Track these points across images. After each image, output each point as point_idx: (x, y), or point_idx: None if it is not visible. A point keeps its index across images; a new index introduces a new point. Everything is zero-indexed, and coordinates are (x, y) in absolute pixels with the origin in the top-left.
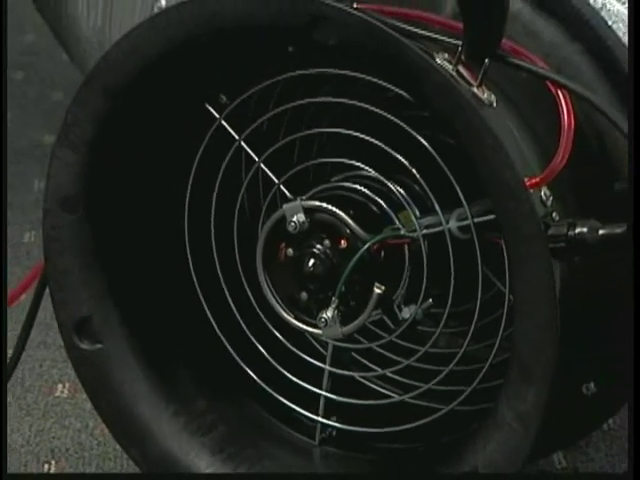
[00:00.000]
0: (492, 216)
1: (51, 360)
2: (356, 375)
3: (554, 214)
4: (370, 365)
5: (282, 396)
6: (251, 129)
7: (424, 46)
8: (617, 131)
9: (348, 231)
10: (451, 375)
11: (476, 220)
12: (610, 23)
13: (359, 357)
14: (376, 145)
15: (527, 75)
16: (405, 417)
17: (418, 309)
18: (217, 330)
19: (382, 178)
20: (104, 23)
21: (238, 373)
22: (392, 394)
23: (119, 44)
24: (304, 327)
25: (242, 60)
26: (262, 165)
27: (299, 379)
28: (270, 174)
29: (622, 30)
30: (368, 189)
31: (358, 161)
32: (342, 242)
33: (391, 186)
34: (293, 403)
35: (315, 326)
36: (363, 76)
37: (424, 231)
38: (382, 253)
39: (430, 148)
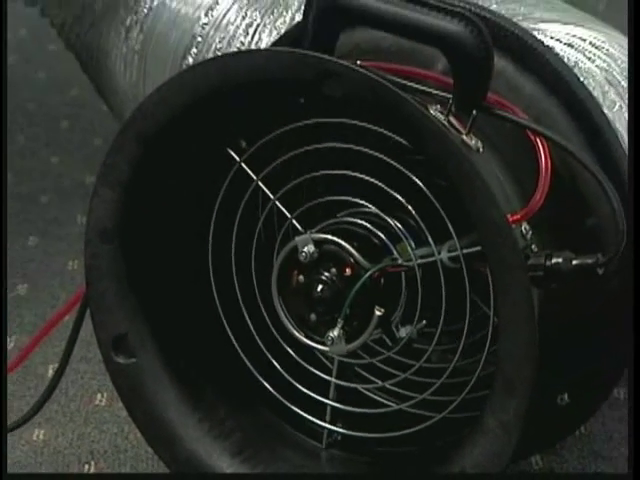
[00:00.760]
0: (479, 248)
1: (91, 373)
2: (359, 386)
3: (533, 246)
4: (371, 378)
5: (293, 405)
6: (267, 171)
7: (419, 99)
8: (588, 173)
9: (352, 260)
10: (443, 387)
11: (465, 251)
12: (582, 79)
13: (362, 371)
14: (377, 185)
15: (510, 125)
16: (402, 424)
17: (413, 329)
18: (237, 347)
19: (382, 214)
20: (138, 78)
21: (255, 385)
22: (391, 403)
23: (151, 96)
24: (313, 344)
25: (259, 109)
26: (277, 202)
27: (308, 390)
28: (284, 210)
29: (592, 85)
30: (370, 223)
31: (361, 199)
32: (347, 270)
33: (390, 221)
34: (303, 411)
35: (323, 343)
36: (366, 125)
37: (419, 261)
38: (382, 280)
39: (424, 188)
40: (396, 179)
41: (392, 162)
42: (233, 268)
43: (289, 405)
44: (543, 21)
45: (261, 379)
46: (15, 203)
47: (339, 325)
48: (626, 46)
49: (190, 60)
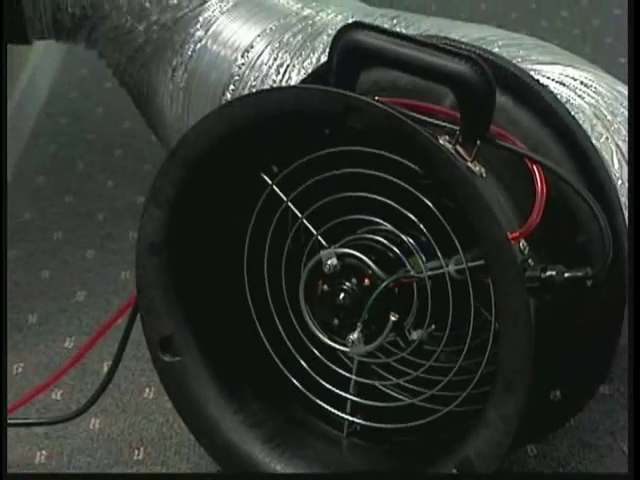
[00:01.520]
0: (482, 261)
1: (141, 370)
2: (376, 383)
3: (530, 260)
4: (387, 375)
5: (318, 399)
6: (295, 194)
7: (431, 130)
8: (578, 196)
9: (370, 272)
10: (449, 383)
11: (469, 265)
12: (573, 114)
13: (378, 369)
14: (392, 205)
15: (509, 153)
16: (414, 416)
17: (424, 332)
18: (269, 349)
19: (397, 231)
20: (183, 112)
21: (284, 382)
22: (404, 398)
23: (193, 128)
24: (336, 346)
25: (289, 138)
26: (304, 220)
27: (332, 386)
28: (310, 227)
29: (582, 119)
30: (386, 239)
31: (378, 218)
32: (365, 280)
33: (404, 237)
34: (327, 404)
35: (344, 345)
36: (383, 153)
37: (429, 272)
38: (396, 289)
39: (434, 209)
40: (409, 200)
41: (406, 185)
42: (265, 278)
43: (314, 399)
44: (539, 62)
45: (290, 376)
46: (75, 220)
47: (359, 329)
48: (611, 84)
49: (228, 96)
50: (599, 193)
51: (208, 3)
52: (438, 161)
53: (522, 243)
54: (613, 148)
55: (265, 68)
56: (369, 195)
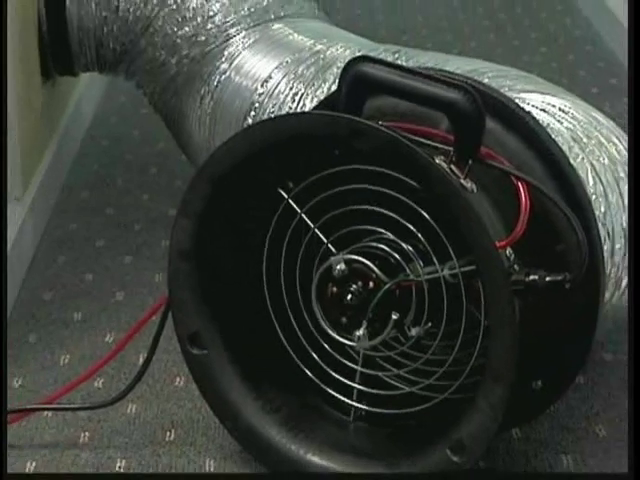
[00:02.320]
0: (473, 267)
1: (172, 361)
2: (379, 373)
3: (515, 266)
4: (389, 367)
5: (328, 387)
6: (308, 207)
7: (428, 151)
8: (558, 210)
9: (374, 276)
10: (444, 374)
11: (462, 270)
12: (553, 137)
13: (381, 361)
14: (394, 217)
15: (497, 172)
16: (413, 403)
17: (421, 329)
18: (285, 344)
19: (398, 240)
20: (209, 135)
21: (298, 373)
22: (404, 387)
23: (219, 148)
24: (344, 341)
25: (303, 157)
26: (316, 230)
27: (340, 376)
28: (321, 236)
29: (561, 141)
30: (388, 247)
31: (382, 228)
32: (370, 283)
33: (404, 245)
34: (336, 392)
35: (351, 340)
36: (386, 171)
37: (426, 277)
38: (397, 291)
39: (431, 220)
40: (409, 213)
41: (406, 200)
42: (282, 282)
43: (325, 388)
44: (523, 91)
45: (304, 368)
46: (115, 230)
47: (364, 326)
48: (586, 110)
49: (249, 121)
50: (577, 208)
51: (232, 39)
52: (434, 178)
53: (508, 251)
54: (588, 167)
55: (282, 97)
56: (373, 208)
